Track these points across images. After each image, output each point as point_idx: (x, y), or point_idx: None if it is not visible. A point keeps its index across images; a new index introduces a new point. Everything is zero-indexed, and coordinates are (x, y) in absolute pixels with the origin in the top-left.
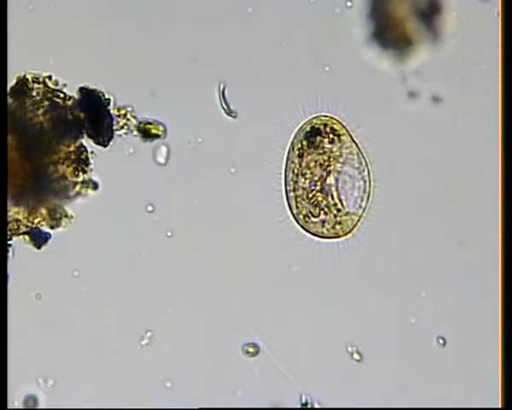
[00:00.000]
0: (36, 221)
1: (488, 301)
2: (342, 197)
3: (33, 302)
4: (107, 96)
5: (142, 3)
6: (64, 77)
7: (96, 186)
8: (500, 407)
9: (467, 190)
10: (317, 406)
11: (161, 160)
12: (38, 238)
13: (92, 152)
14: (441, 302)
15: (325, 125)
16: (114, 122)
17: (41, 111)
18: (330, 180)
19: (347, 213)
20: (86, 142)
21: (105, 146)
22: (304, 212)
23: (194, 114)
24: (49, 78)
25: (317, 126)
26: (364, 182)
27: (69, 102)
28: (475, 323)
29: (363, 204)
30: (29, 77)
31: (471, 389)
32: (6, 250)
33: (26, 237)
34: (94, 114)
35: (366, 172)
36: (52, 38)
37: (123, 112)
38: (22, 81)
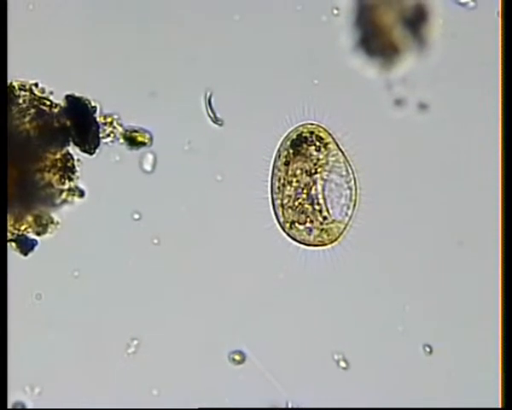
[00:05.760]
0: (22, 228)
1: (488, 302)
2: (328, 205)
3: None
4: (93, 104)
5: (142, 4)
6: (64, 77)
7: (82, 194)
8: (500, 407)
9: (465, 192)
10: None
11: (147, 167)
12: (25, 245)
13: (78, 160)
14: (441, 302)
15: (311, 132)
16: (100, 130)
17: (27, 118)
18: (316, 188)
19: (333, 221)
20: (72, 149)
21: (91, 154)
22: (290, 220)
23: (181, 123)
24: (36, 85)
25: (303, 134)
26: (351, 190)
27: (55, 110)
28: (475, 323)
29: (350, 212)
30: (15, 84)
31: (471, 389)
32: (6, 250)
33: (13, 244)
34: (80, 122)
35: (352, 180)
36: (52, 37)
37: (109, 120)
38: (9, 89)
